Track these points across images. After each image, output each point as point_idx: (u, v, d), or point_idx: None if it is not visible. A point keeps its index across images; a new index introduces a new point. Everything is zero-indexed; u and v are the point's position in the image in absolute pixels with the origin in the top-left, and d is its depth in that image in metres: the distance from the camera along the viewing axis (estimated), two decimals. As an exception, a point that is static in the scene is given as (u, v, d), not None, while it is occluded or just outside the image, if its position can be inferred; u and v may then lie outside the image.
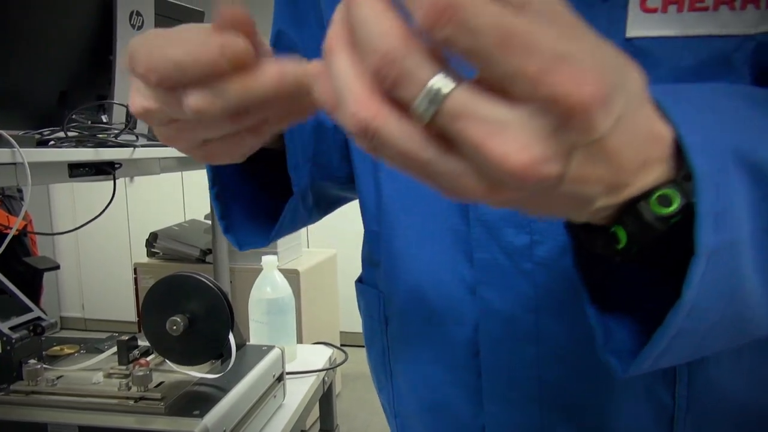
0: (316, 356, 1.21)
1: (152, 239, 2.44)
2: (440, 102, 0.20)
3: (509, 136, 0.20)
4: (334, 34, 0.22)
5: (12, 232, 1.27)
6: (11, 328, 0.74)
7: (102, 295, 3.70)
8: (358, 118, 0.21)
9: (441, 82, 0.20)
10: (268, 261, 1.14)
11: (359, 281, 0.56)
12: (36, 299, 2.48)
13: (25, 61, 1.21)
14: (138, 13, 1.37)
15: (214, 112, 0.28)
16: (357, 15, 0.21)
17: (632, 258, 0.28)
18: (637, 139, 0.24)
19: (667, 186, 0.26)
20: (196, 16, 1.61)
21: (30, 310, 0.81)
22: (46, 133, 1.22)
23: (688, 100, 0.28)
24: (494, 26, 0.19)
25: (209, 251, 2.31)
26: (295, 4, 0.54)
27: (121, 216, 3.51)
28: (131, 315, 3.20)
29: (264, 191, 0.51)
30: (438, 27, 0.19)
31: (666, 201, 0.26)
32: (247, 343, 0.96)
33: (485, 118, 0.20)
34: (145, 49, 0.28)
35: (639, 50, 0.37)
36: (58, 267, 2.35)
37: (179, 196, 3.44)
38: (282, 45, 0.54)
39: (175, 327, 0.74)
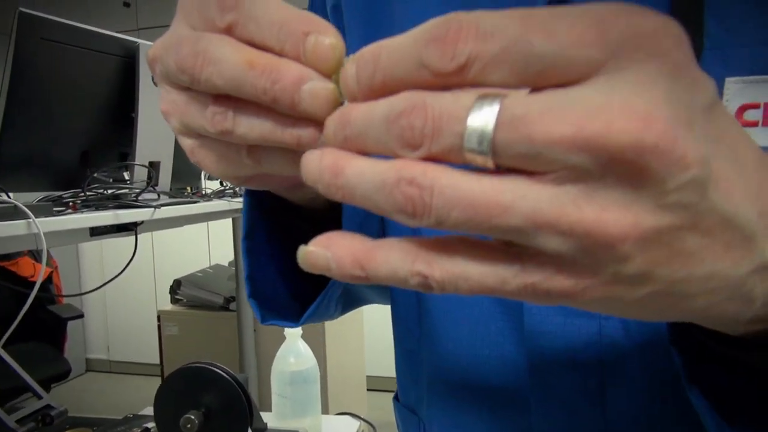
0: (342, 430, 1.14)
1: (176, 286, 2.42)
2: (496, 117, 0.16)
3: (597, 104, 0.15)
4: (330, 154, 0.19)
5: (36, 287, 1.24)
6: (18, 421, 0.70)
7: (127, 338, 3.69)
8: (406, 194, 0.17)
9: (485, 102, 0.16)
10: (292, 331, 1.09)
11: (396, 399, 0.50)
12: (60, 347, 2.47)
13: (48, 123, 1.20)
14: (161, 71, 1.36)
15: (184, 74, 0.23)
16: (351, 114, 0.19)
17: None
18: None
19: None
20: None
21: (39, 396, 0.76)
22: (66, 196, 1.20)
23: None
24: (511, 16, 0.16)
25: (233, 299, 2.27)
26: None
27: (147, 261, 3.52)
28: (155, 358, 3.18)
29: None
30: (449, 52, 0.17)
31: None
32: (269, 427, 0.90)
33: (558, 104, 0.16)
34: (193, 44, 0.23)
35: None
36: (82, 316, 2.34)
37: (204, 241, 3.43)
38: None
39: (189, 425, 0.68)
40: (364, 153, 0.19)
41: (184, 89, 0.24)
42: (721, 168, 0.18)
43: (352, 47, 0.45)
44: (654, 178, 0.16)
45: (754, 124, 0.31)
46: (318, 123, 0.21)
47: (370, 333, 2.57)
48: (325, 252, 0.19)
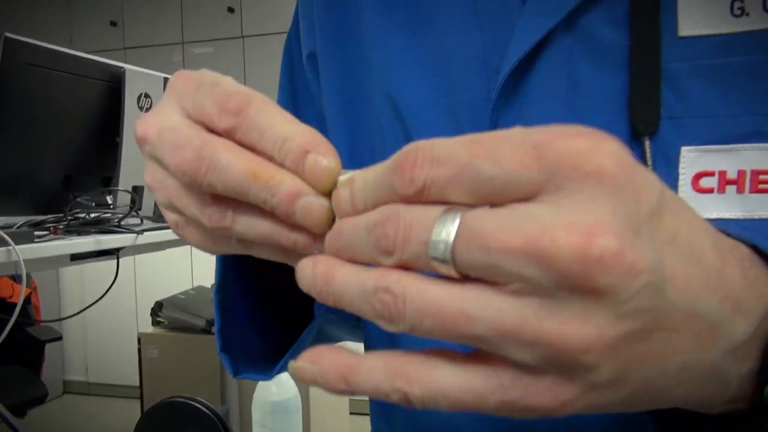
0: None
1: (157, 308, 2.39)
2: (454, 229, 0.18)
3: (546, 222, 0.17)
4: (323, 263, 0.21)
5: (16, 312, 1.22)
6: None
7: (106, 360, 3.63)
8: (386, 302, 0.19)
9: (448, 215, 0.18)
10: (273, 359, 1.08)
11: None
12: (37, 370, 2.42)
13: (30, 147, 1.20)
14: (146, 95, 1.36)
15: (193, 181, 0.23)
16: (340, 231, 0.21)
17: None
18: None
19: None
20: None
21: (14, 428, 0.75)
22: (48, 221, 1.19)
23: None
24: (462, 144, 0.19)
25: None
26: (294, 94, 0.51)
27: (129, 282, 3.48)
28: (135, 381, 3.13)
29: (270, 315, 0.45)
30: (408, 177, 0.19)
31: None
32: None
33: (512, 220, 0.17)
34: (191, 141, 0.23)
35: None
36: (60, 338, 2.30)
37: (187, 263, 3.40)
38: None
39: (167, 462, 0.68)
40: (354, 262, 0.20)
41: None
42: (676, 266, 0.18)
43: (327, 94, 0.46)
44: (607, 290, 0.17)
45: (710, 191, 0.33)
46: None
47: (353, 356, 2.56)
48: (313, 367, 0.20)
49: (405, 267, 0.19)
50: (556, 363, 0.17)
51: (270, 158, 0.23)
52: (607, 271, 0.16)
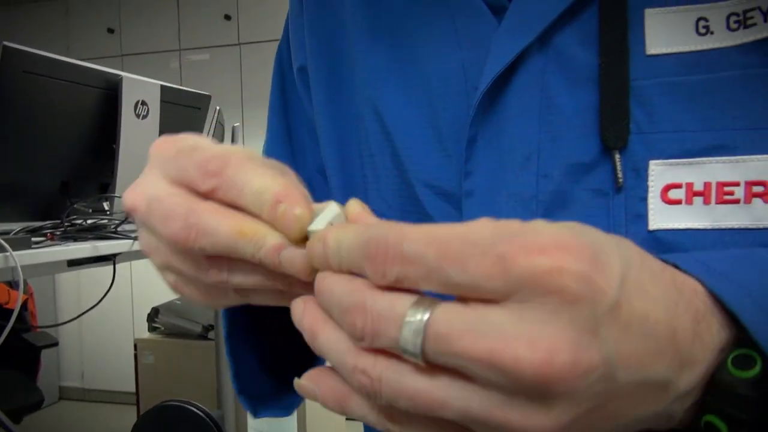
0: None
1: (153, 314, 2.39)
2: (422, 330, 0.19)
3: (514, 333, 0.18)
4: (309, 316, 0.23)
5: (13, 318, 1.23)
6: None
7: (102, 366, 3.62)
8: (362, 382, 0.21)
9: (416, 314, 0.20)
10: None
11: None
12: (33, 376, 2.42)
13: (27, 153, 1.21)
14: (143, 103, 1.37)
15: (186, 247, 0.25)
16: (324, 289, 0.23)
17: None
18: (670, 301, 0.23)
19: (738, 349, 0.24)
20: (203, 101, 1.62)
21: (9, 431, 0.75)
22: (47, 227, 1.20)
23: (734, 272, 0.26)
24: (430, 245, 0.20)
25: (211, 327, 2.25)
26: (292, 147, 0.52)
27: (125, 288, 3.47)
28: (131, 387, 3.13)
29: (280, 355, 0.47)
30: (380, 270, 0.20)
31: (746, 362, 0.23)
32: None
33: (478, 328, 0.19)
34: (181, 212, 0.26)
35: (665, 244, 0.34)
36: (56, 344, 2.30)
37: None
38: None
39: (163, 465, 0.68)
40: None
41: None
42: (629, 348, 0.20)
43: (317, 106, 0.47)
44: (565, 394, 0.19)
45: (678, 203, 0.34)
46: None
47: (349, 362, 2.57)
48: (314, 388, 0.23)
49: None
50: None
51: (250, 214, 0.25)
52: (564, 382, 0.18)
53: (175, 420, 0.70)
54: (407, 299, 0.20)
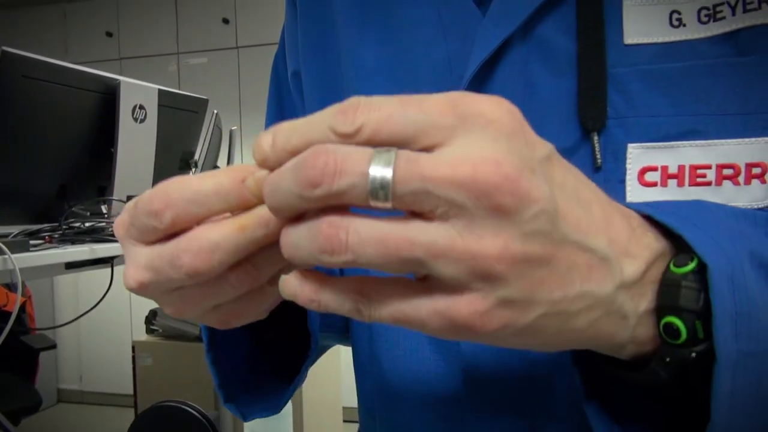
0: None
1: (151, 316, 2.40)
2: (391, 162, 0.21)
3: (468, 153, 0.21)
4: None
5: (11, 320, 1.24)
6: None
7: (100, 369, 3.63)
8: (330, 234, 0.21)
9: (383, 152, 0.21)
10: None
11: None
12: (31, 378, 2.43)
13: (26, 156, 1.22)
14: (141, 107, 1.38)
15: (210, 269, 0.25)
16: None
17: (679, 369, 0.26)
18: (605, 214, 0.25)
19: (675, 257, 0.26)
20: (200, 104, 1.63)
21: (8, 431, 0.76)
22: (45, 229, 1.21)
23: (685, 213, 0.28)
24: (393, 98, 0.22)
25: (209, 330, 2.26)
26: (282, 115, 0.54)
27: (123, 290, 3.40)
28: (129, 389, 3.14)
29: (260, 347, 0.47)
30: (350, 119, 0.22)
31: (682, 261, 0.26)
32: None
33: (436, 156, 0.21)
34: (162, 189, 0.26)
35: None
36: (54, 346, 2.31)
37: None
38: None
39: (159, 464, 0.70)
40: (280, 211, 0.23)
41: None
42: (565, 206, 0.23)
43: (310, 109, 0.49)
44: (511, 210, 0.21)
45: (654, 185, 0.36)
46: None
47: (347, 364, 2.57)
48: (297, 284, 0.24)
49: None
50: (475, 275, 0.21)
51: (220, 213, 0.25)
52: (510, 193, 0.21)
53: (171, 420, 0.71)
54: (369, 149, 0.21)
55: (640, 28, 0.36)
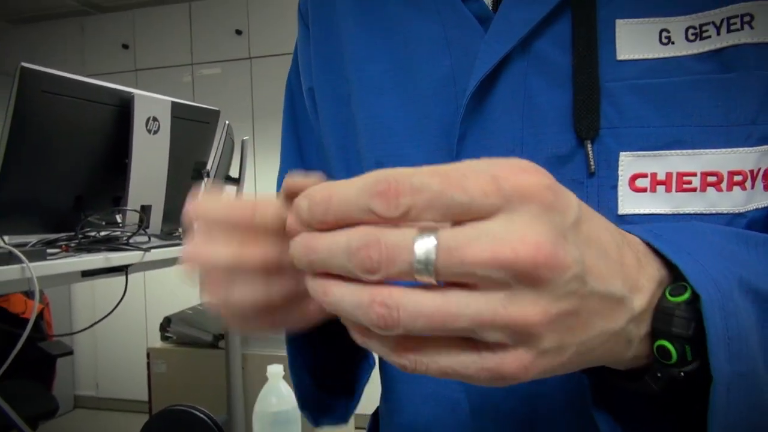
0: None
1: (166, 324, 2.44)
2: (433, 250, 0.22)
3: (508, 234, 0.22)
4: (319, 278, 0.25)
5: (29, 327, 1.27)
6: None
7: (116, 375, 3.67)
8: (382, 314, 0.23)
9: (424, 239, 0.23)
10: (274, 372, 1.12)
11: None
12: (48, 384, 2.47)
13: (44, 168, 1.25)
14: (154, 119, 1.42)
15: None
16: (317, 244, 0.25)
17: (674, 383, 0.29)
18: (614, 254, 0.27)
19: (671, 285, 0.29)
20: (212, 115, 1.66)
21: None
22: (62, 239, 1.24)
23: (682, 239, 0.30)
24: (434, 175, 0.23)
25: (221, 336, 2.29)
26: (304, 162, 0.56)
27: (138, 298, 3.53)
28: (144, 395, 3.17)
29: (325, 367, 0.51)
30: (393, 203, 0.23)
31: (677, 290, 0.28)
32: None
33: (480, 236, 0.22)
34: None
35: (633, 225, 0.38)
36: (71, 353, 2.35)
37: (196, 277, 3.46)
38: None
39: (168, 466, 0.72)
40: (328, 274, 0.25)
41: None
42: (591, 261, 0.25)
43: (324, 125, 0.51)
44: (548, 281, 0.23)
45: (644, 191, 0.38)
46: None
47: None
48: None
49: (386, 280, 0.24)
50: (518, 337, 0.23)
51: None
52: (547, 268, 0.22)
53: (181, 424, 0.73)
54: (412, 230, 0.23)
55: (632, 45, 0.38)
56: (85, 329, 1.46)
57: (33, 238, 1.23)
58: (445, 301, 0.23)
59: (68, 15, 3.66)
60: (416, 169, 0.23)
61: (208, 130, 1.67)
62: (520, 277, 0.22)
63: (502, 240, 0.22)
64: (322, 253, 0.24)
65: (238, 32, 3.33)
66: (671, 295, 0.28)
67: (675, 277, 0.29)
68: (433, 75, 0.43)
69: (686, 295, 0.27)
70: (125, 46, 3.52)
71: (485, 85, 0.40)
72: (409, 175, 0.23)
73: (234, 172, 1.97)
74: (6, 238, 1.14)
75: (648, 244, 0.29)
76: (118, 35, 3.53)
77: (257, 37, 3.32)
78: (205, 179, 1.69)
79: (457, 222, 0.23)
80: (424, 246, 0.22)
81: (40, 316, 2.58)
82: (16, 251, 0.99)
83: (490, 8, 0.42)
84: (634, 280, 0.27)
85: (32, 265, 1.01)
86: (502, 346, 0.24)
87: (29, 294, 2.48)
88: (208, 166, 1.72)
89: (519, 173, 0.23)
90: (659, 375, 0.29)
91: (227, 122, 1.87)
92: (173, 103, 1.47)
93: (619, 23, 0.38)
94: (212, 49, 3.39)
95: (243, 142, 1.93)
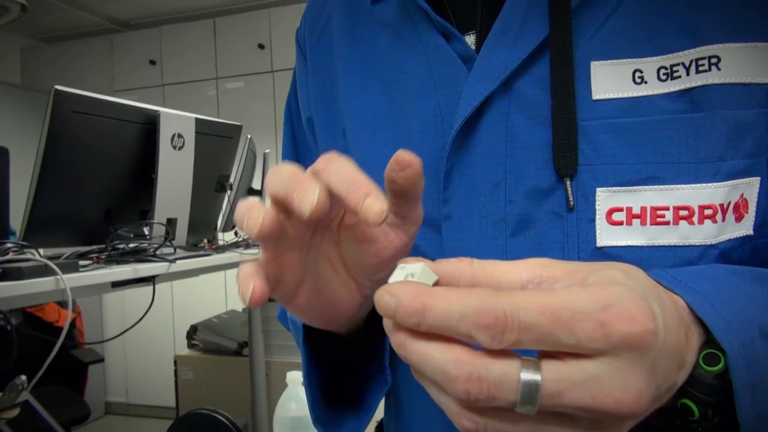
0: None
1: (192, 332, 2.50)
2: (538, 392, 0.24)
3: (612, 383, 0.24)
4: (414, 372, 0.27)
5: (62, 336, 1.33)
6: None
7: (145, 382, 3.75)
8: (470, 427, 0.25)
9: (528, 376, 0.24)
10: (293, 378, 1.16)
11: None
12: (81, 391, 2.55)
13: (76, 185, 1.32)
14: (179, 135, 1.48)
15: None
16: (418, 354, 0.25)
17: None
18: (678, 333, 0.29)
19: (707, 347, 0.30)
20: (234, 130, 1.72)
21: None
22: (93, 251, 1.30)
23: (706, 288, 0.32)
24: (543, 314, 0.23)
25: (246, 344, 2.34)
26: (297, 152, 0.59)
27: (166, 307, 3.61)
28: (172, 401, 3.24)
29: (338, 385, 0.53)
30: (498, 338, 0.23)
31: (712, 359, 0.30)
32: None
33: (584, 381, 0.24)
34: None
35: (610, 258, 0.40)
36: (102, 360, 2.42)
37: (221, 287, 3.52)
38: None
39: (192, 467, 0.76)
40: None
41: None
42: (664, 369, 0.27)
43: (322, 149, 0.54)
44: (635, 417, 0.25)
45: (620, 224, 0.40)
46: None
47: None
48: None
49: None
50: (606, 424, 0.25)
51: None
52: (642, 413, 0.25)
53: (203, 427, 0.78)
54: (515, 363, 0.24)
55: (607, 84, 0.40)
56: (115, 337, 1.52)
57: (66, 251, 1.30)
58: (534, 429, 0.25)
59: (97, 33, 3.78)
60: (524, 299, 0.24)
61: (230, 144, 1.72)
62: (613, 422, 0.25)
63: (605, 388, 0.24)
64: (414, 358, 0.26)
65: (261, 46, 3.40)
66: (705, 363, 0.30)
67: (707, 339, 0.31)
68: (422, 112, 0.46)
69: (720, 366, 0.30)
70: (152, 62, 3.62)
71: (470, 123, 0.42)
72: (518, 309, 0.24)
73: (257, 184, 2.03)
74: (41, 250, 1.20)
75: (688, 306, 0.31)
76: (146, 51, 3.63)
77: (279, 50, 3.38)
78: (229, 192, 1.75)
79: (558, 353, 0.24)
80: (529, 387, 0.23)
81: (73, 324, 2.67)
82: (51, 264, 1.05)
83: (474, 48, 0.44)
84: (683, 359, 0.29)
85: (66, 276, 1.06)
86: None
87: (62, 303, 2.56)
88: (231, 179, 1.78)
89: (628, 322, 0.24)
90: (678, 422, 0.31)
91: (249, 136, 1.92)
92: (197, 120, 1.53)
93: (594, 65, 0.40)
94: (236, 63, 3.46)
95: (265, 155, 1.99)
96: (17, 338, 1.71)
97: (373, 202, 0.29)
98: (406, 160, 0.32)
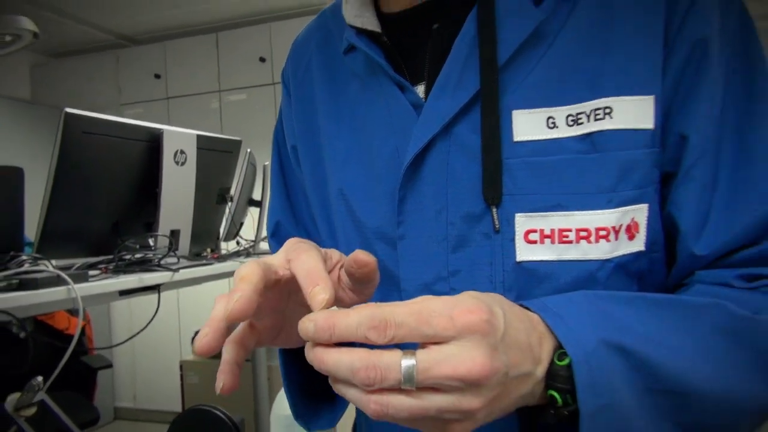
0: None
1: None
2: (414, 370, 0.33)
3: (462, 357, 0.34)
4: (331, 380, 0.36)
5: (74, 343, 1.41)
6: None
7: (152, 387, 3.82)
8: (377, 409, 0.34)
9: (407, 361, 0.33)
10: (288, 379, 1.23)
11: None
12: (90, 396, 2.63)
13: (86, 200, 1.40)
14: (182, 152, 1.56)
15: None
16: (328, 361, 0.35)
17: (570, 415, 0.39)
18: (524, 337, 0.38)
19: (561, 350, 0.39)
20: (234, 145, 1.80)
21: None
22: (102, 261, 1.39)
23: (571, 312, 0.41)
24: (411, 315, 0.34)
25: (249, 349, 2.40)
26: (291, 203, 0.67)
27: (172, 313, 3.68)
28: (178, 406, 3.31)
29: (312, 380, 0.61)
30: (382, 335, 0.33)
31: (562, 357, 0.39)
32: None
33: (444, 359, 0.33)
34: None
35: (527, 270, 0.49)
36: (110, 366, 2.50)
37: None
38: (281, 234, 0.67)
39: (192, 457, 0.84)
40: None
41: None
42: (513, 357, 0.36)
43: (305, 176, 0.63)
44: (488, 384, 0.35)
45: (535, 243, 0.48)
46: None
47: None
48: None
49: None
50: (465, 416, 0.35)
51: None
52: (489, 378, 0.34)
53: (202, 423, 0.86)
54: (397, 354, 0.33)
55: (526, 129, 0.48)
56: (122, 343, 1.59)
57: (76, 262, 1.38)
58: (420, 401, 0.34)
59: (104, 48, 3.88)
60: (399, 308, 0.34)
61: (231, 158, 1.80)
62: (469, 383, 0.33)
63: (459, 361, 0.33)
64: (329, 365, 0.35)
65: (262, 60, 3.48)
66: (558, 360, 0.38)
67: (559, 343, 0.39)
68: (383, 151, 0.54)
69: (567, 361, 0.38)
70: (157, 76, 3.70)
71: (417, 160, 0.51)
72: (394, 314, 0.34)
73: (257, 195, 2.11)
74: (54, 262, 1.28)
75: (543, 321, 0.40)
76: (151, 65, 3.72)
77: (280, 63, 3.43)
78: (229, 203, 1.83)
79: (426, 344, 0.34)
80: (407, 368, 0.33)
81: (82, 331, 2.76)
82: (63, 275, 1.13)
83: (422, 97, 0.53)
84: (538, 356, 0.38)
85: (77, 286, 1.15)
86: (455, 420, 0.35)
87: (72, 311, 2.64)
88: (232, 191, 1.86)
89: (467, 314, 0.34)
90: (552, 412, 0.39)
91: (249, 150, 2.00)
92: (198, 136, 1.62)
93: (515, 112, 0.48)
94: (238, 76, 3.54)
95: (265, 168, 2.07)
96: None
97: (319, 292, 0.37)
98: (363, 260, 0.42)
